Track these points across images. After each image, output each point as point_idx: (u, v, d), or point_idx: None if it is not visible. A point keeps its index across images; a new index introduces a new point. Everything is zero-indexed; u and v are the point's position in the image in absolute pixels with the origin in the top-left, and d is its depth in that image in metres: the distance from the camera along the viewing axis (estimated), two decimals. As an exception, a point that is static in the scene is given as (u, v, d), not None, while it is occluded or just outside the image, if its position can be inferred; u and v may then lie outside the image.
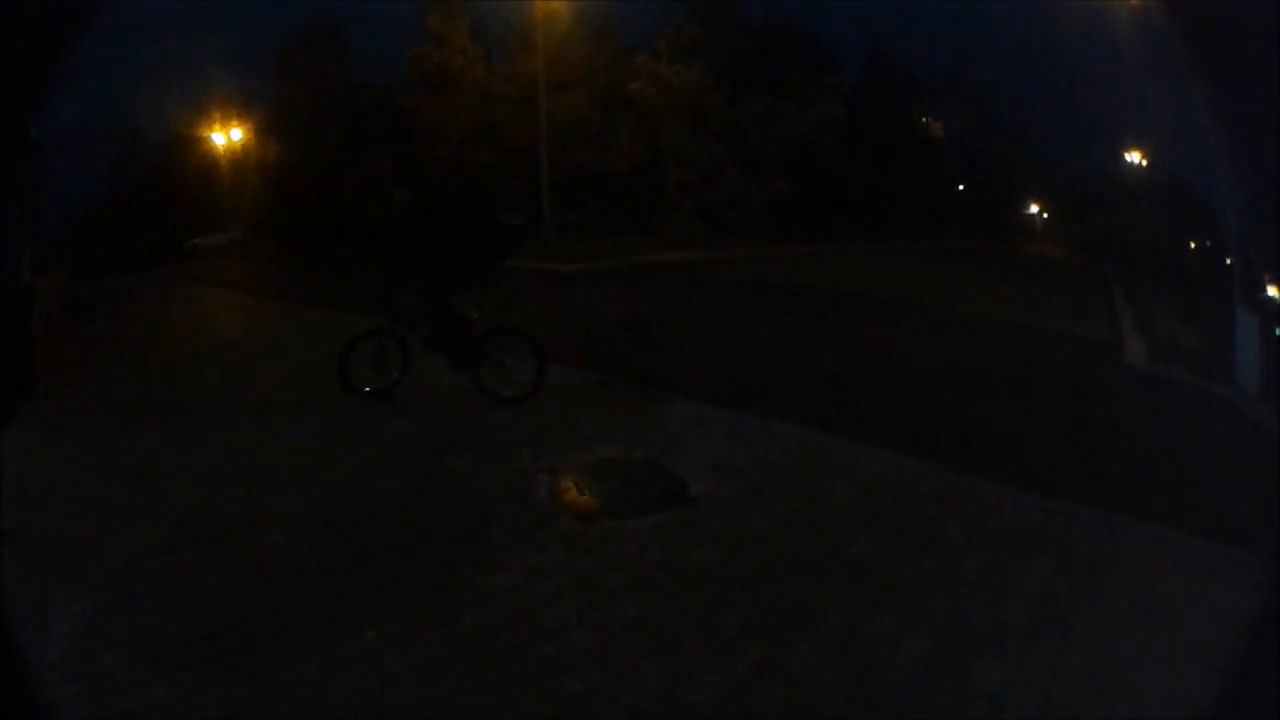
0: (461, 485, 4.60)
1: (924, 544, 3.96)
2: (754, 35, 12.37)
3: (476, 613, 3.32)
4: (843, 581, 3.46)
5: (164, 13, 7.83)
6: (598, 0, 11.03)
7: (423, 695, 2.82)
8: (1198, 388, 6.73)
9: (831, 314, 10.11)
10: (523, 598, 3.43)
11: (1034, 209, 20.39)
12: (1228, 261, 7.05)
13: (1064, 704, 2.79)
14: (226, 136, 9.33)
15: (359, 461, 4.93)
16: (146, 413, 5.78)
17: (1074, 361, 7.78)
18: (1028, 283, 12.25)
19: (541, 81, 10.17)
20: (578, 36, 10.67)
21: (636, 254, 10.65)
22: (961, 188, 18.03)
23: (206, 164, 9.39)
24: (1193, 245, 10.59)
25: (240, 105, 9.42)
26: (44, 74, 3.65)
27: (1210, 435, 4.81)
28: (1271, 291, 5.86)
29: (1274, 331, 5.66)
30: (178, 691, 2.88)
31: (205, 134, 9.28)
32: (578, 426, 5.58)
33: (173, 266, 10.07)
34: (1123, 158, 15.76)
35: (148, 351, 7.53)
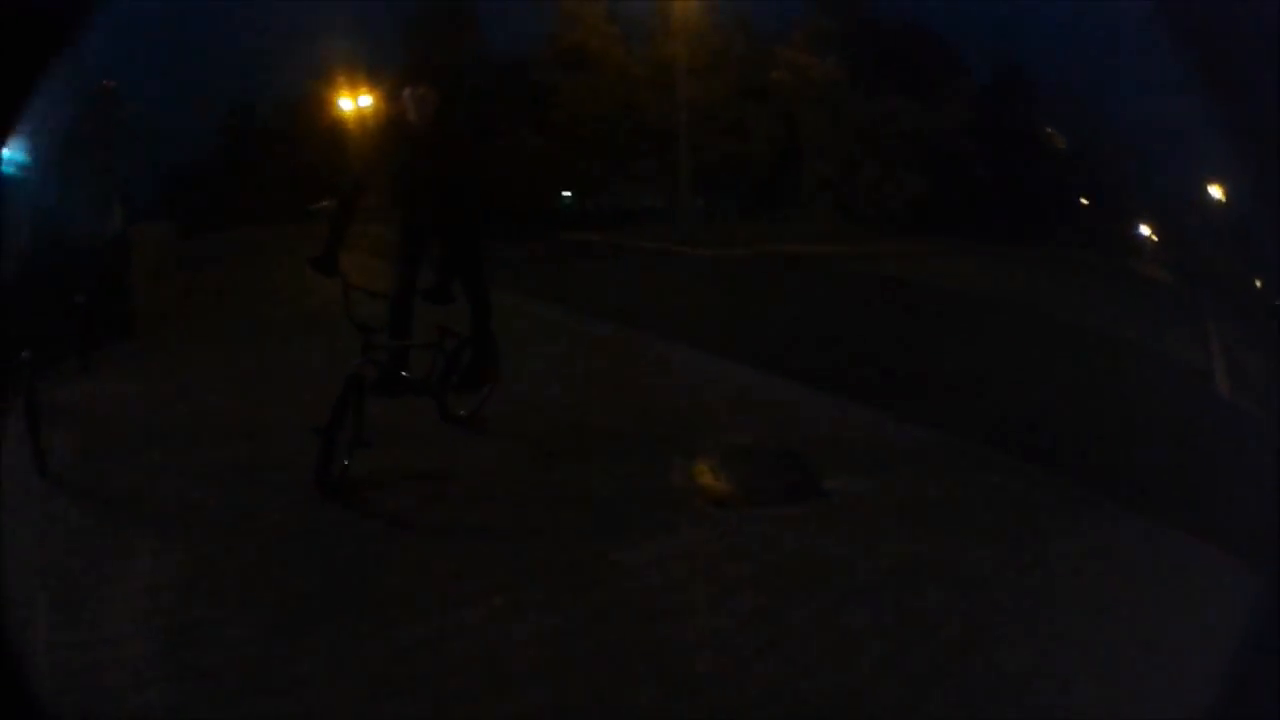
0: (600, 460, 4.49)
1: (1039, 557, 3.83)
2: (885, 36, 12.17)
3: (604, 588, 3.41)
4: (962, 589, 3.53)
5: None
6: None
7: (544, 663, 2.91)
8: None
9: (963, 316, 9.63)
10: (651, 577, 3.48)
11: (1145, 230, 19.89)
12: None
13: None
14: (354, 102, 9.11)
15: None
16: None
17: (1172, 386, 7.55)
18: (1136, 301, 11.91)
19: (682, 66, 9.97)
20: (715, 23, 10.52)
21: (769, 243, 10.31)
22: (1084, 201, 17.67)
23: (329, 128, 9.17)
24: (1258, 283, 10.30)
25: (367, 71, 9.20)
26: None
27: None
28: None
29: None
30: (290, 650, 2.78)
31: (330, 97, 9.07)
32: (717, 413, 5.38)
33: (293, 226, 9.87)
34: (1208, 191, 15.40)
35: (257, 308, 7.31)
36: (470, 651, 2.97)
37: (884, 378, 6.76)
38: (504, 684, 2.87)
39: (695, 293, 9.07)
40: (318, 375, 5.18)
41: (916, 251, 10.93)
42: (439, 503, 4.14)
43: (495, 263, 7.66)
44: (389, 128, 7.01)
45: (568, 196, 9.89)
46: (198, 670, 2.94)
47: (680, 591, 3.41)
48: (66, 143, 5.45)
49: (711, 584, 3.43)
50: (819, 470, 4.80)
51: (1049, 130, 15.96)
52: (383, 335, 5.14)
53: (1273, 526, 3.40)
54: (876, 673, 2.93)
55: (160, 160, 8.00)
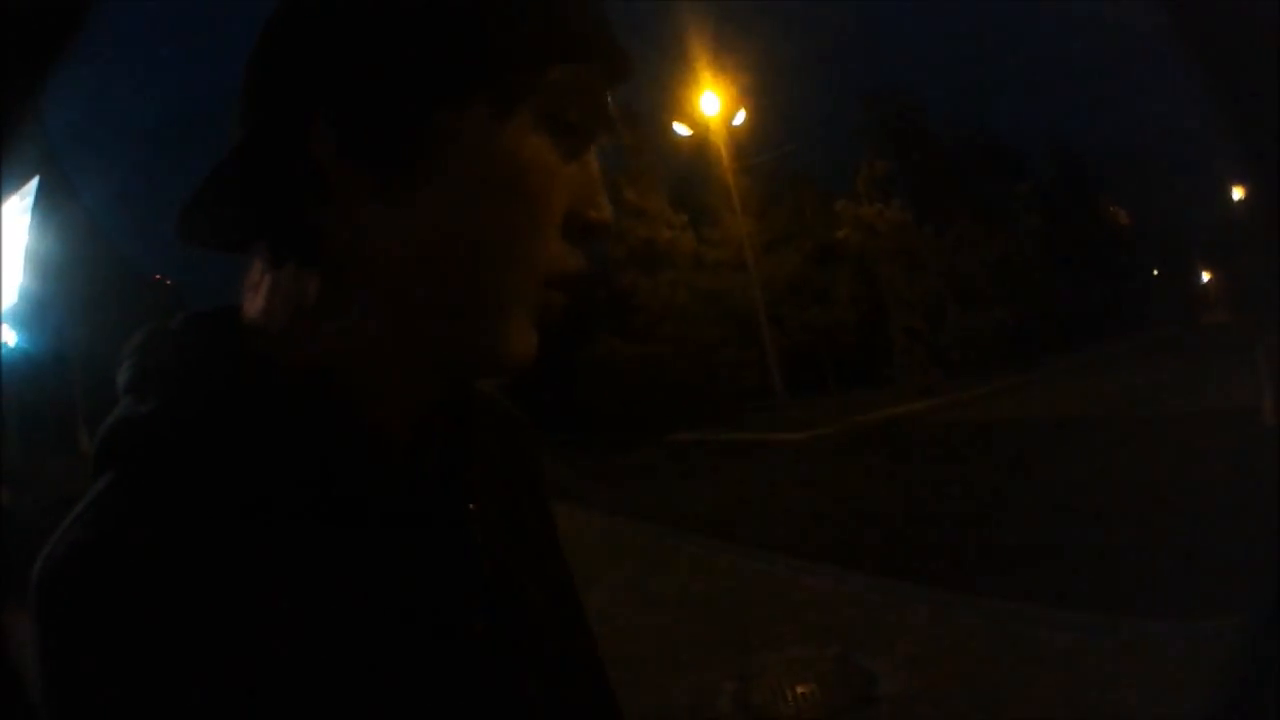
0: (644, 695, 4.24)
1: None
2: (943, 153, 11.92)
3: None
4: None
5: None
6: (789, 147, 10.79)
7: None
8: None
9: (1061, 447, 9.24)
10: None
11: (1205, 276, 19.51)
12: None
13: None
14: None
15: None
16: None
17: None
18: (1210, 363, 11.67)
19: (748, 245, 9.86)
20: (779, 190, 10.39)
21: (870, 410, 10.13)
22: (1156, 273, 17.35)
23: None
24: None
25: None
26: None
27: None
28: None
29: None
30: None
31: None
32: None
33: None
34: (1232, 197, 15.06)
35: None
36: None
37: (963, 552, 6.43)
38: None
39: (780, 486, 8.87)
40: None
41: (1007, 385, 10.71)
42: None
43: (586, 475, 7.56)
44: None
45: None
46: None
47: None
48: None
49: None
50: (873, 676, 4.53)
51: (1112, 209, 15.72)
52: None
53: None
54: None
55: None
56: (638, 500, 8.19)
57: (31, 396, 9.77)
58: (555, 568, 0.52)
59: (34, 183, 10.16)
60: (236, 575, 0.36)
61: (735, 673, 4.35)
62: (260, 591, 0.36)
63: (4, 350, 10.18)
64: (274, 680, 0.35)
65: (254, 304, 0.41)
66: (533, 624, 0.46)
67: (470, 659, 0.41)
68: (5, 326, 10.34)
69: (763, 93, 10.91)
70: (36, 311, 10.34)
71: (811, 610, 5.44)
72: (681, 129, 10.87)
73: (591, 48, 0.40)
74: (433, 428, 0.43)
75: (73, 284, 11.02)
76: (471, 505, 0.44)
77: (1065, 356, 11.45)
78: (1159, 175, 16.02)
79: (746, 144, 10.70)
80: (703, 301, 9.84)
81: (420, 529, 0.41)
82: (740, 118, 10.87)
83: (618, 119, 0.42)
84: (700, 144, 10.77)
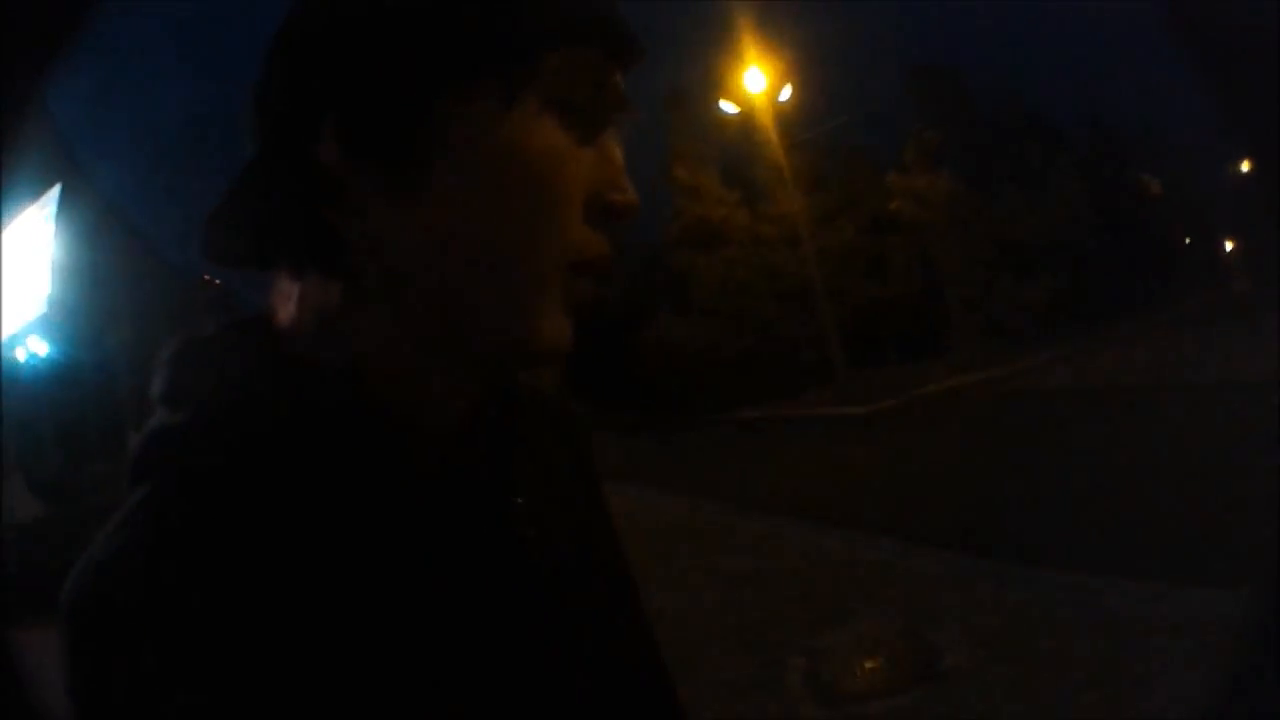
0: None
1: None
2: (988, 124, 11.88)
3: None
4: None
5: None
6: (840, 120, 10.74)
7: None
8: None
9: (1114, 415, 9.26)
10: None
11: (1229, 245, 19.65)
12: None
13: None
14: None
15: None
16: None
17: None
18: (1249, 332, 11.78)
19: (802, 219, 9.81)
20: (831, 164, 10.34)
21: (929, 382, 10.11)
22: (1188, 241, 17.43)
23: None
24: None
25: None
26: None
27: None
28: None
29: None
30: None
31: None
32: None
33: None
34: (1240, 169, 15.11)
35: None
36: None
37: (1025, 523, 6.44)
38: None
39: (842, 460, 8.89)
40: None
41: (1066, 354, 10.71)
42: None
43: (648, 455, 7.52)
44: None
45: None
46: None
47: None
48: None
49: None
50: (939, 649, 4.56)
51: (1144, 178, 15.77)
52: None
53: None
54: None
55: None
56: (700, 478, 8.20)
57: (70, 406, 9.66)
58: (611, 560, 0.51)
59: (55, 191, 10.03)
60: (275, 587, 0.35)
61: (803, 649, 4.35)
62: (301, 604, 0.35)
63: (35, 361, 10.08)
64: (316, 695, 0.35)
65: (285, 312, 0.41)
66: (584, 618, 0.45)
67: (520, 657, 0.41)
68: (34, 338, 10.23)
69: (807, 68, 10.90)
70: (70, 320, 10.23)
71: (876, 585, 5.44)
72: (728, 106, 10.83)
73: (591, 31, 0.39)
74: (477, 425, 0.43)
75: (110, 290, 10.91)
76: (519, 500, 0.43)
77: (1113, 325, 11.47)
78: (1180, 146, 16.17)
79: (793, 119, 10.68)
80: (759, 277, 9.80)
81: (466, 529, 0.41)
82: (786, 93, 10.85)
83: (629, 102, 0.41)
84: (747, 121, 10.73)
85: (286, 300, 0.41)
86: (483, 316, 0.39)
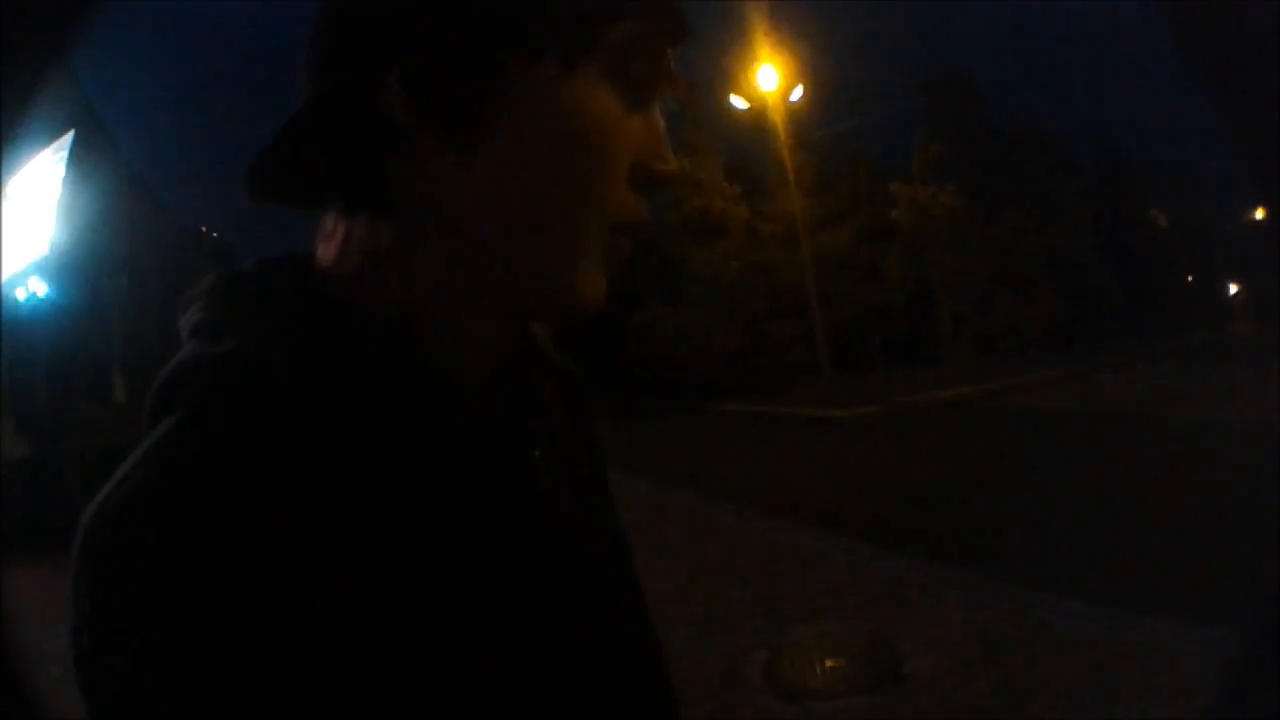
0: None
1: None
2: (998, 142, 11.84)
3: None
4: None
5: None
6: (848, 124, 10.76)
7: None
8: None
9: (1099, 442, 9.24)
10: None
11: (1234, 288, 19.59)
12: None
13: None
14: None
15: None
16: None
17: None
18: (1239, 372, 11.71)
19: (801, 220, 9.79)
20: (835, 167, 10.35)
21: (914, 391, 10.10)
22: (1189, 279, 17.37)
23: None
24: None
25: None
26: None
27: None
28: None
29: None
30: None
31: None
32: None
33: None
34: (1255, 215, 15.05)
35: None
36: None
37: (997, 539, 6.43)
38: None
39: (821, 461, 8.87)
40: None
41: (1055, 376, 10.68)
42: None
43: (627, 440, 7.52)
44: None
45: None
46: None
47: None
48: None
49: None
50: (902, 654, 4.55)
51: (1152, 212, 15.75)
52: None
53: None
54: None
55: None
56: (678, 467, 8.18)
57: (64, 347, 9.72)
58: (610, 518, 0.53)
59: (69, 136, 10.10)
60: (310, 523, 0.35)
61: (766, 643, 4.35)
62: (333, 541, 0.35)
63: (34, 301, 10.15)
64: (343, 628, 0.34)
65: (327, 253, 0.42)
66: (593, 571, 0.47)
67: (536, 604, 0.41)
68: (34, 278, 10.30)
69: (821, 70, 10.90)
70: (70, 263, 10.29)
71: (844, 585, 5.43)
72: (739, 102, 10.84)
73: (649, 7, 0.41)
74: (501, 377, 0.44)
75: (112, 235, 10.98)
76: (537, 453, 0.44)
77: (1106, 353, 11.44)
78: (1193, 184, 16.14)
79: (803, 120, 10.69)
80: (753, 274, 9.80)
81: (491, 479, 0.42)
82: (798, 93, 10.85)
83: (678, 76, 0.43)
84: (757, 118, 10.74)
85: (330, 240, 0.42)
86: (530, 268, 0.40)
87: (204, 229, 12.69)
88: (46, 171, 10.21)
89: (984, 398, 10.11)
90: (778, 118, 10.70)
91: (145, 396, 0.38)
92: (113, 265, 11.65)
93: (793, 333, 9.72)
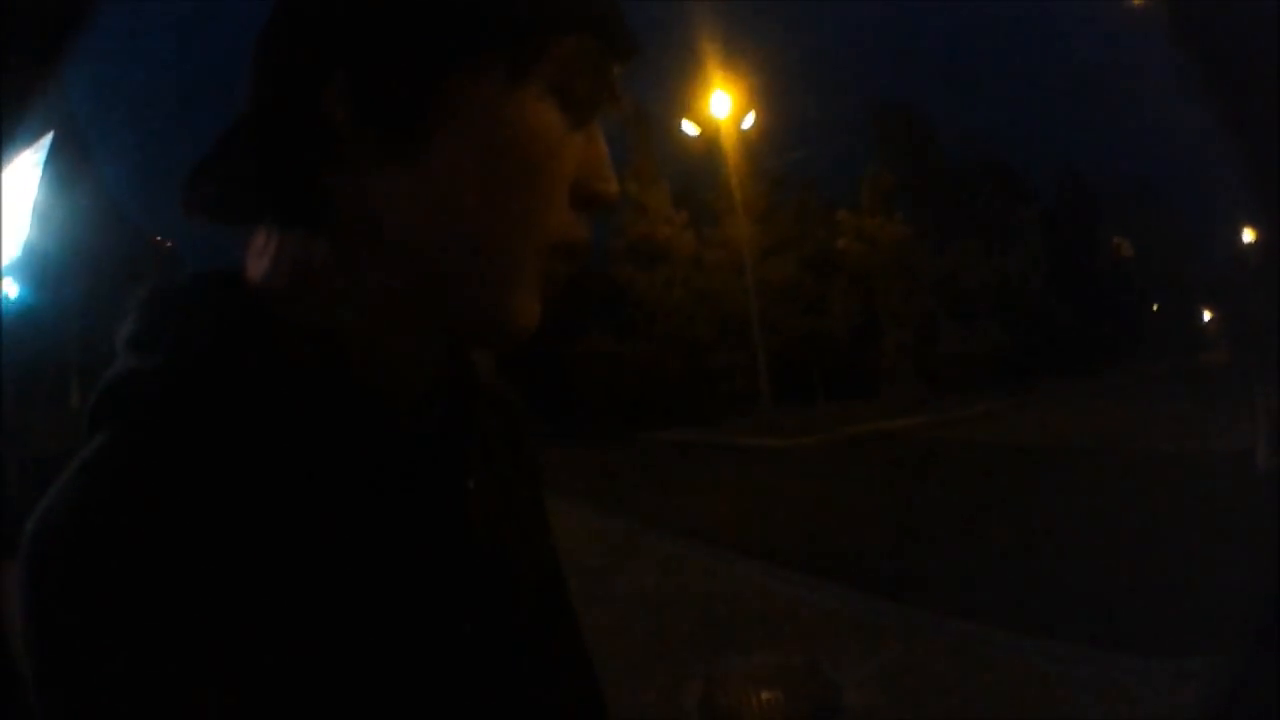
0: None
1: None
2: (951, 171, 11.88)
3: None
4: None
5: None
6: (796, 151, 10.76)
7: None
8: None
9: (1040, 476, 9.20)
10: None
11: (1206, 315, 19.51)
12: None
13: None
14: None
15: None
16: None
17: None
18: (1203, 402, 11.64)
19: (747, 248, 9.81)
20: (784, 196, 10.35)
21: (855, 422, 10.09)
22: (1155, 307, 17.32)
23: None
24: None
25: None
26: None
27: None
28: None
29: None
30: None
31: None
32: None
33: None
34: (1241, 239, 14.98)
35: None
36: None
37: (936, 572, 6.39)
38: None
39: (759, 491, 8.84)
40: None
41: (1006, 409, 10.66)
42: None
43: (564, 467, 7.54)
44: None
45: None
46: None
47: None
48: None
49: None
50: (841, 686, 4.53)
51: (1115, 239, 15.68)
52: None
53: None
54: None
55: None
56: (614, 495, 8.16)
57: (28, 349, 9.79)
58: (545, 551, 0.52)
59: (49, 138, 10.15)
60: (233, 537, 0.35)
61: (701, 675, 4.34)
62: (256, 555, 0.35)
63: (5, 304, 10.20)
64: (264, 646, 0.34)
65: (259, 267, 0.41)
66: (523, 604, 0.46)
67: (460, 638, 0.41)
68: (8, 280, 10.35)
69: (774, 97, 10.91)
70: (39, 264, 10.36)
71: (781, 617, 5.42)
72: (690, 128, 10.86)
73: (596, 22, 0.40)
74: (434, 402, 0.43)
75: (76, 239, 11.05)
76: (470, 483, 0.44)
77: (1060, 384, 11.42)
78: (1167, 211, 16.07)
79: (755, 147, 10.69)
80: (697, 301, 9.81)
81: (418, 502, 0.41)
82: (750, 120, 10.86)
83: (624, 94, 0.42)
84: (709, 144, 10.76)
85: (262, 255, 0.41)
86: (463, 287, 0.39)
87: (158, 238, 12.74)
88: (25, 173, 10.26)
89: (925, 429, 10.10)
90: (729, 144, 10.72)
91: None
92: (76, 270, 11.70)
93: (735, 361, 9.73)
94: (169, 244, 14.09)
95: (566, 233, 0.40)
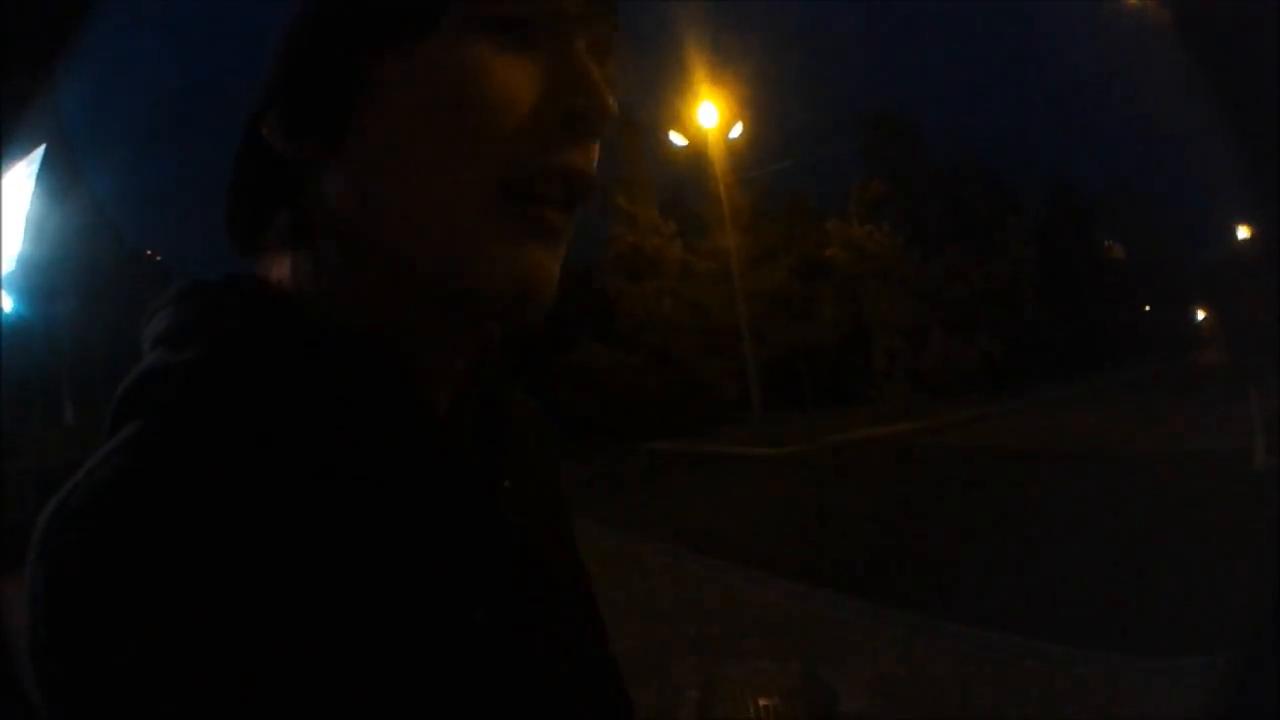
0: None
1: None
2: (939, 180, 11.90)
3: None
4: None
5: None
6: (784, 161, 10.81)
7: None
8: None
9: (1028, 482, 9.18)
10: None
11: (1200, 315, 19.52)
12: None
13: None
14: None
15: None
16: None
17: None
18: (1197, 402, 11.62)
19: (735, 257, 9.84)
20: (771, 205, 10.38)
21: (847, 430, 10.11)
22: (1147, 309, 17.33)
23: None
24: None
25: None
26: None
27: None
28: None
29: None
30: None
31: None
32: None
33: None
34: (1237, 237, 14.92)
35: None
36: None
37: (931, 576, 6.38)
38: None
39: (751, 500, 8.85)
40: None
41: (995, 413, 10.68)
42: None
43: (567, 482, 7.55)
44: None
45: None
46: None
47: None
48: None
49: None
50: (837, 693, 4.50)
51: (1107, 243, 15.73)
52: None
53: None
54: None
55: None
56: (607, 506, 8.18)
57: (22, 364, 9.79)
58: (573, 554, 0.53)
59: (40, 151, 10.19)
60: (265, 530, 0.34)
61: (699, 682, 4.35)
62: (288, 548, 0.35)
63: (2, 316, 10.21)
64: (290, 640, 0.33)
65: (280, 275, 0.42)
66: (557, 606, 0.46)
67: (496, 637, 0.40)
68: (3, 293, 10.38)
69: (762, 107, 10.94)
70: (32, 278, 10.37)
71: (777, 624, 5.42)
72: (678, 139, 10.91)
73: None
74: (468, 404, 0.43)
75: (68, 253, 11.06)
76: (506, 482, 0.44)
77: (1051, 388, 11.44)
78: (1160, 213, 16.17)
79: (743, 157, 10.73)
80: (687, 312, 9.84)
81: (454, 501, 0.41)
82: (737, 130, 10.90)
83: (587, 9, 0.40)
84: (697, 155, 10.80)
85: (278, 268, 0.42)
86: (430, 253, 0.38)
87: (149, 252, 12.79)
88: (18, 184, 10.29)
89: (915, 435, 10.12)
90: (716, 155, 10.75)
91: (94, 419, 0.38)
92: (68, 284, 11.72)
93: (725, 371, 9.75)
94: (158, 258, 14.19)
95: (525, 162, 0.38)
